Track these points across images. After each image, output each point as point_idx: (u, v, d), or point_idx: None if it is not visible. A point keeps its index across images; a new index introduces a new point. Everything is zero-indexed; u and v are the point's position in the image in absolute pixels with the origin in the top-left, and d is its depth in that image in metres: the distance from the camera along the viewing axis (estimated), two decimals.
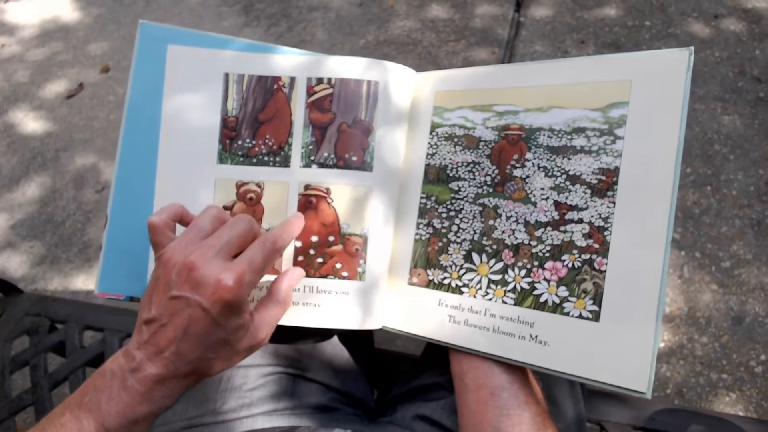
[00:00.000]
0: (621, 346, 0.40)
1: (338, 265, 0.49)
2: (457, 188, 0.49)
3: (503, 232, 0.46)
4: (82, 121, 1.87)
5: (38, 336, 0.90)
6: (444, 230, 0.48)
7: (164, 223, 0.43)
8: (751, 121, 1.49)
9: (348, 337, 0.60)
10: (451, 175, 0.49)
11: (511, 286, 0.45)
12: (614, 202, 0.42)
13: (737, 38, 1.66)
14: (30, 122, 1.91)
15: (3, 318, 0.94)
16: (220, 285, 0.37)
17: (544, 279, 0.44)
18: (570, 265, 0.43)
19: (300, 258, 0.50)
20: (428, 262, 0.49)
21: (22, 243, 1.60)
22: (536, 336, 0.43)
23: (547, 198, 0.45)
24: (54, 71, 2.06)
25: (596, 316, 0.41)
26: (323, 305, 0.48)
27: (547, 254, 0.44)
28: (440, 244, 0.48)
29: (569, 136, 0.45)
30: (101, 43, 2.14)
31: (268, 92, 0.52)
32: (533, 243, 0.45)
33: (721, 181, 1.39)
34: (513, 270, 0.45)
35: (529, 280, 0.44)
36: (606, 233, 0.42)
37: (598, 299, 0.41)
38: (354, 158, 0.50)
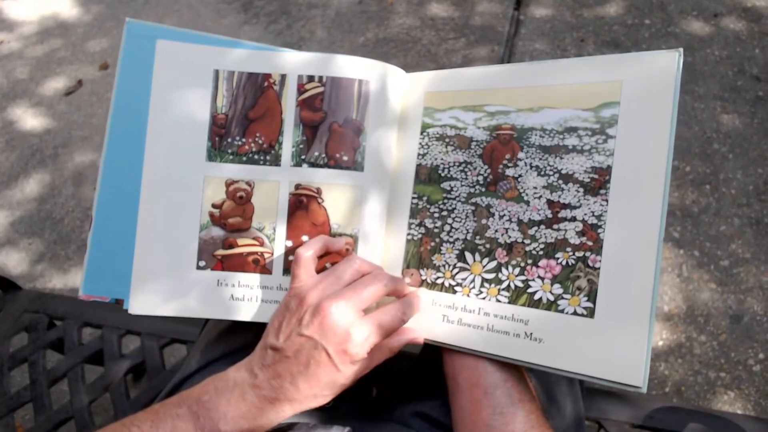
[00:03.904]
0: (616, 341, 0.40)
1: (328, 265, 0.49)
2: (449, 188, 0.49)
3: (496, 231, 0.46)
4: (81, 118, 1.87)
5: (37, 333, 0.90)
6: (436, 230, 0.48)
7: (312, 258, 0.47)
8: (750, 120, 1.49)
9: None
10: (442, 175, 0.49)
11: (504, 285, 0.45)
12: (607, 200, 0.42)
13: (737, 37, 1.66)
14: (29, 119, 1.91)
15: (1, 315, 0.94)
16: (349, 338, 0.41)
17: (538, 277, 0.44)
18: (564, 263, 0.43)
19: (291, 258, 0.49)
20: (421, 262, 0.49)
21: (21, 240, 1.60)
22: (531, 333, 0.43)
23: (540, 197, 0.45)
24: (53, 68, 2.06)
25: (591, 313, 0.41)
26: None
27: (541, 252, 0.44)
28: (433, 243, 0.48)
29: (561, 136, 0.45)
30: (100, 40, 2.14)
31: (258, 90, 0.51)
32: (527, 241, 0.45)
33: (720, 180, 1.39)
34: (506, 268, 0.45)
35: (522, 278, 0.44)
36: (599, 231, 0.42)
37: (592, 296, 0.41)
38: (345, 158, 0.50)
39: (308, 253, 0.46)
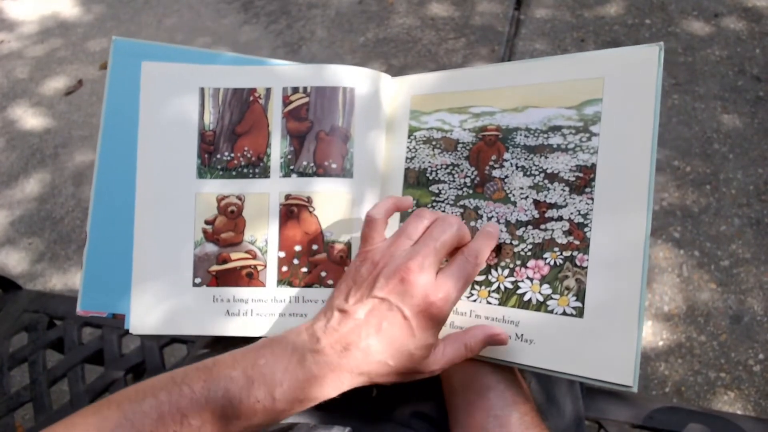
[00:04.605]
0: (605, 340, 0.40)
1: (323, 274, 0.49)
2: (437, 191, 0.48)
3: None
4: (81, 117, 1.88)
5: (37, 332, 0.91)
6: None
7: (384, 219, 0.45)
8: (750, 120, 1.49)
9: None
10: (430, 178, 0.49)
11: (494, 287, 0.45)
12: (592, 199, 0.42)
13: (737, 37, 1.66)
14: (29, 119, 1.92)
15: (1, 314, 0.94)
16: (428, 299, 0.39)
17: (527, 278, 0.44)
18: (552, 263, 0.43)
19: (284, 268, 0.49)
20: None
21: (21, 240, 1.61)
22: (522, 335, 0.43)
23: (527, 197, 0.45)
24: (53, 68, 2.07)
25: (580, 312, 0.41)
26: (310, 314, 0.48)
27: (529, 253, 0.44)
28: None
29: (545, 135, 0.45)
30: (100, 39, 2.14)
31: (244, 104, 0.52)
32: (515, 242, 0.45)
33: (721, 180, 1.39)
34: (496, 270, 0.45)
35: (512, 279, 0.44)
36: (586, 230, 0.42)
37: (581, 295, 0.41)
38: (334, 165, 0.50)
39: (380, 214, 0.44)
